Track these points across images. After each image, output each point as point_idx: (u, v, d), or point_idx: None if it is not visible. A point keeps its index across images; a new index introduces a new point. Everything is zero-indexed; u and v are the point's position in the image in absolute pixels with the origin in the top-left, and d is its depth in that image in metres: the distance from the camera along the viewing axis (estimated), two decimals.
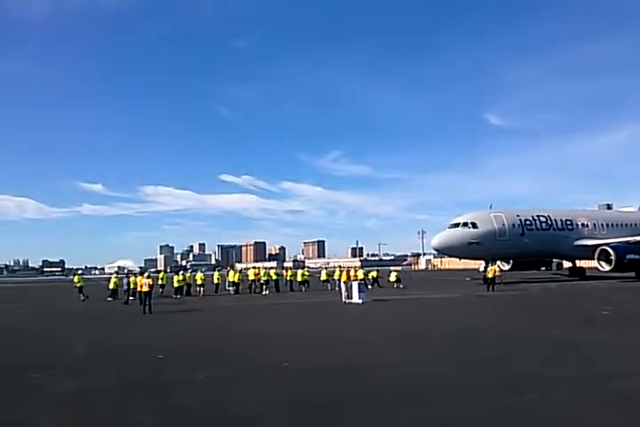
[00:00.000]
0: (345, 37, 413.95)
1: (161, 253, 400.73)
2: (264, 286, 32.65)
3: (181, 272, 35.46)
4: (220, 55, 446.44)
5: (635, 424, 6.02)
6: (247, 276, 35.73)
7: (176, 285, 31.91)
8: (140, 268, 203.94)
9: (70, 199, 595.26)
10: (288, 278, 35.47)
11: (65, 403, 7.60)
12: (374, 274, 37.03)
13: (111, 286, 30.33)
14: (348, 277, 26.81)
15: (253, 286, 33.92)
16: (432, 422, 6.19)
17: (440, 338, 13.11)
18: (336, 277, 32.53)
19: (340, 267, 35.28)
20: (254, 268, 38.99)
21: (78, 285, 30.87)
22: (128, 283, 28.13)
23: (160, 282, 32.00)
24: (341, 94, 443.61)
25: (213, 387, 8.34)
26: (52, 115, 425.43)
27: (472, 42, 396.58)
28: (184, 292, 32.04)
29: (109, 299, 29.27)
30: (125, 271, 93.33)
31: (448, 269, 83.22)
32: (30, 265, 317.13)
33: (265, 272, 33.83)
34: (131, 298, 26.95)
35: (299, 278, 35.25)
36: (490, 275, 29.89)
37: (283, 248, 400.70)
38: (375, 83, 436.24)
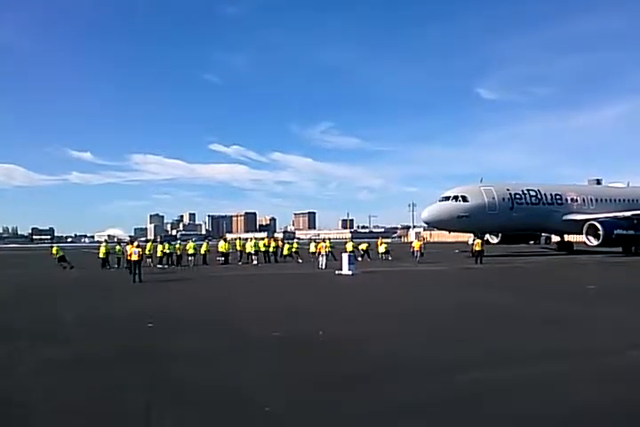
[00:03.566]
0: (338, 8, 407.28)
1: (151, 223, 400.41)
2: (253, 257, 32.84)
3: (172, 242, 35.47)
4: (210, 22, 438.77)
5: (629, 398, 6.10)
6: (236, 246, 35.80)
7: (159, 254, 31.95)
8: (130, 237, 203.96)
9: (59, 167, 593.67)
10: (271, 250, 34.79)
11: (54, 371, 7.64)
12: (364, 246, 37.16)
13: (101, 255, 30.59)
14: (326, 248, 29.72)
15: (243, 257, 34.12)
16: (428, 394, 6.26)
17: (428, 309, 13.21)
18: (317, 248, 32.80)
19: (323, 240, 35.35)
20: (239, 238, 38.98)
21: (57, 255, 30.75)
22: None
23: (147, 253, 31.80)
24: (333, 65, 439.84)
25: (204, 356, 8.39)
26: (40, 82, 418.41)
27: (466, 15, 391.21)
28: (174, 262, 32.09)
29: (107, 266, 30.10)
30: (115, 240, 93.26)
31: (437, 242, 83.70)
32: (20, 233, 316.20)
33: (255, 242, 33.90)
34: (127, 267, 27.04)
35: (285, 252, 35.44)
36: (477, 248, 30.16)
37: (273, 219, 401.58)
38: (368, 55, 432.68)
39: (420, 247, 32.99)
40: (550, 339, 9.26)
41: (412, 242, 36.84)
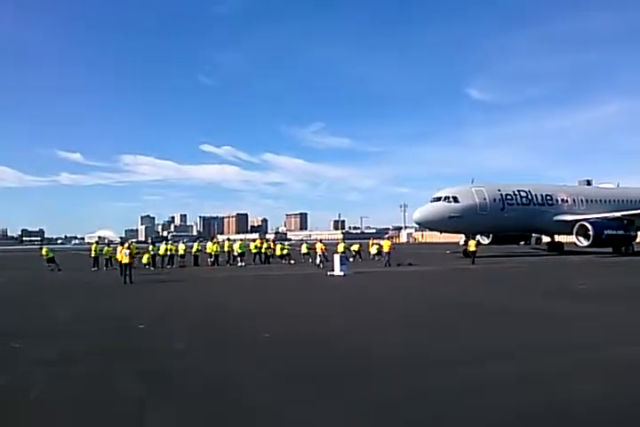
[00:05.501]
0: (328, 6, 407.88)
1: (142, 224, 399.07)
2: (239, 258, 32.81)
3: (156, 244, 35.52)
4: (201, 21, 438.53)
5: (619, 392, 6.12)
6: (224, 247, 35.71)
7: (145, 258, 31.83)
8: (121, 238, 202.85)
9: (49, 168, 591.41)
10: (263, 251, 34.92)
11: (47, 371, 7.59)
12: (356, 247, 37.21)
13: (92, 253, 30.85)
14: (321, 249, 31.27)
15: (231, 258, 34.12)
16: (419, 390, 6.25)
17: (421, 309, 13.21)
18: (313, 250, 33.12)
19: (319, 240, 35.37)
20: (228, 239, 38.93)
21: (47, 256, 30.61)
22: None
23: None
24: (324, 66, 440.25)
25: (195, 356, 8.34)
26: (29, 83, 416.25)
27: (456, 13, 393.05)
28: (157, 263, 32.04)
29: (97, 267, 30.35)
30: (106, 241, 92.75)
31: (429, 243, 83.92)
32: (9, 234, 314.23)
33: (241, 244, 33.81)
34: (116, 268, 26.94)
35: (277, 252, 35.39)
36: (471, 248, 30.18)
37: (265, 220, 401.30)
38: (359, 55, 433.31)
39: (390, 248, 31.43)
40: (544, 336, 9.28)
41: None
